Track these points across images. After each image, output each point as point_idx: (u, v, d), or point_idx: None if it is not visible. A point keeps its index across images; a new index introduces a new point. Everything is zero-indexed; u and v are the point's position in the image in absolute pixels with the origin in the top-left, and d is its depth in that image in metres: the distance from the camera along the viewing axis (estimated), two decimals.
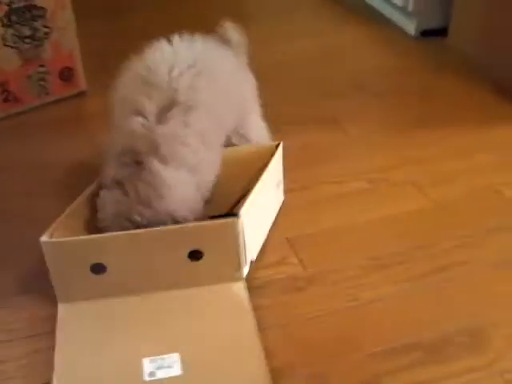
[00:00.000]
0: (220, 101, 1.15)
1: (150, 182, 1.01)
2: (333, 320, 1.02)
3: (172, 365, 0.93)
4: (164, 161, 1.03)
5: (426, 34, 1.96)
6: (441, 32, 1.93)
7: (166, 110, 1.07)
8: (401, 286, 1.08)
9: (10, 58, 1.48)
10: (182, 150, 1.05)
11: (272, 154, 1.20)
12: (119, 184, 1.02)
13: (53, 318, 1.01)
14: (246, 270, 1.08)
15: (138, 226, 1.01)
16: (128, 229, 1.01)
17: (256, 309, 1.04)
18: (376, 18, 2.08)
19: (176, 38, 1.21)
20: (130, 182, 1.01)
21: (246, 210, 1.04)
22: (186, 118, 1.07)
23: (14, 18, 1.44)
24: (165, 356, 0.94)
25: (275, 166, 1.21)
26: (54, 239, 1.00)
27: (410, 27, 1.98)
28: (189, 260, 1.03)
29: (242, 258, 1.05)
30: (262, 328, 1.00)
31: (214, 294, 1.04)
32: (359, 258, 1.14)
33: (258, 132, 1.30)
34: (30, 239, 1.03)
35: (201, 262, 1.04)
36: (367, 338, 0.99)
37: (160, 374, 0.92)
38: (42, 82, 1.55)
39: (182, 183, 1.04)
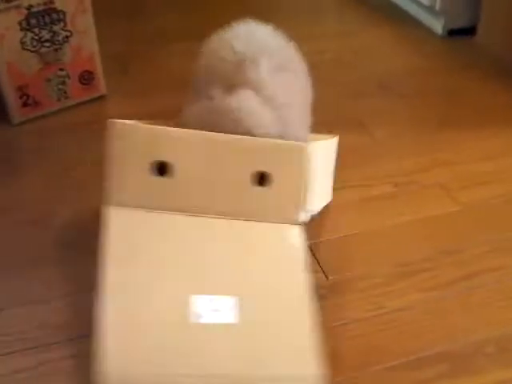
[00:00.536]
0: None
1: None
2: (357, 329, 0.99)
3: (222, 308, 0.84)
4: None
5: (453, 33, 1.91)
6: (469, 31, 1.88)
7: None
8: (428, 293, 1.04)
9: (29, 62, 1.46)
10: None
11: None
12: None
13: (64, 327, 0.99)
14: (304, 216, 0.99)
15: None
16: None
17: None
18: (402, 18, 2.03)
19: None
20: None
21: (315, 147, 0.99)
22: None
23: (33, 21, 1.43)
24: (222, 297, 0.85)
25: None
26: (121, 121, 0.90)
27: (437, 26, 1.93)
28: (253, 184, 0.94)
29: (304, 197, 0.96)
30: None
31: (272, 235, 0.95)
32: (385, 265, 1.10)
33: None
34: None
35: (266, 189, 0.95)
36: (392, 348, 0.95)
37: (212, 317, 0.83)
38: (61, 86, 1.53)
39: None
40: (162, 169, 0.91)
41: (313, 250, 1.13)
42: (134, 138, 0.91)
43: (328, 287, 1.06)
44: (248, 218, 0.95)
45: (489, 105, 1.57)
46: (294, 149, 0.96)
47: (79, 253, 1.11)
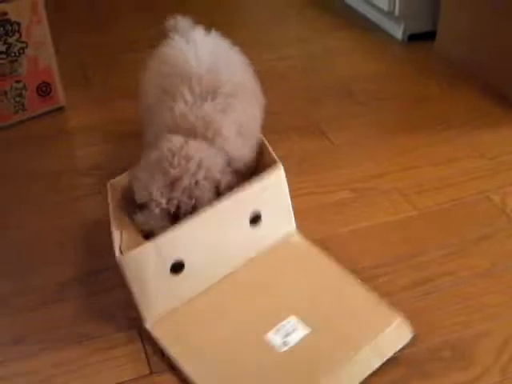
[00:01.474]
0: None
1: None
2: None
3: (296, 327, 0.94)
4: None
5: (413, 38, 1.93)
6: (429, 36, 1.90)
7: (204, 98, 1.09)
8: (384, 299, 1.04)
9: None
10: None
11: None
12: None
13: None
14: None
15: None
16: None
17: None
18: (362, 23, 2.05)
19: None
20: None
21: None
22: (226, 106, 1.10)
23: None
24: (283, 322, 0.95)
25: None
26: (130, 251, 0.93)
27: (397, 32, 1.94)
28: (250, 227, 1.04)
29: (291, 207, 1.10)
30: None
31: (288, 250, 1.09)
32: None
33: None
34: None
35: (260, 224, 1.05)
36: None
37: (292, 340, 0.92)
38: (18, 98, 1.52)
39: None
40: (178, 265, 0.97)
41: None
42: (146, 259, 0.94)
43: None
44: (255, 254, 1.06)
45: (448, 108, 1.58)
46: (272, 172, 1.06)
47: None
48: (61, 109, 1.59)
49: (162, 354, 0.95)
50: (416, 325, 0.99)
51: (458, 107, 1.58)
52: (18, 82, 1.50)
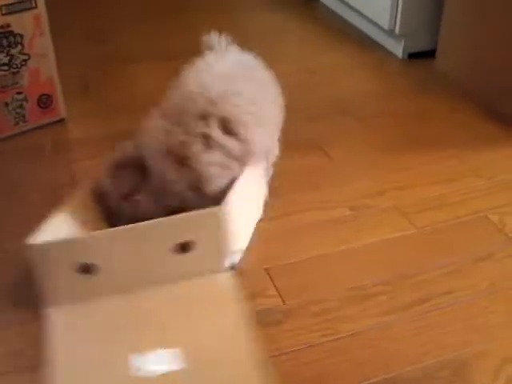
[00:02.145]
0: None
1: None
2: (311, 355, 0.98)
3: (166, 361, 0.94)
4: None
5: (413, 56, 1.94)
6: (429, 54, 1.91)
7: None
8: (383, 317, 1.05)
9: None
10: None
11: None
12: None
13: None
14: (236, 258, 1.10)
15: None
16: None
17: None
18: (363, 41, 2.06)
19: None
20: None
21: (232, 198, 1.05)
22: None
23: None
24: (157, 351, 0.96)
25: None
26: (38, 241, 0.99)
27: (398, 50, 1.96)
28: (176, 253, 1.04)
29: (229, 246, 1.06)
30: None
31: (203, 287, 1.05)
32: (341, 289, 1.10)
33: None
34: None
35: (189, 254, 1.04)
36: (346, 374, 0.95)
37: (156, 371, 0.93)
38: (19, 110, 1.52)
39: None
40: (87, 267, 1.01)
41: (270, 275, 1.13)
42: (55, 253, 1.00)
43: (284, 312, 1.05)
44: (177, 280, 1.05)
45: (447, 127, 1.59)
46: (213, 213, 1.03)
47: None
48: (61, 121, 1.59)
49: None
50: (414, 344, 1.00)
51: (457, 126, 1.59)
52: (19, 93, 1.50)
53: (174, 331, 1.00)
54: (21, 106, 1.52)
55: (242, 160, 1.11)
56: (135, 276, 1.04)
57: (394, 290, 1.10)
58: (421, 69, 1.88)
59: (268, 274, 1.13)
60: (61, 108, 1.59)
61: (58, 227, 1.04)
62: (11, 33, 1.44)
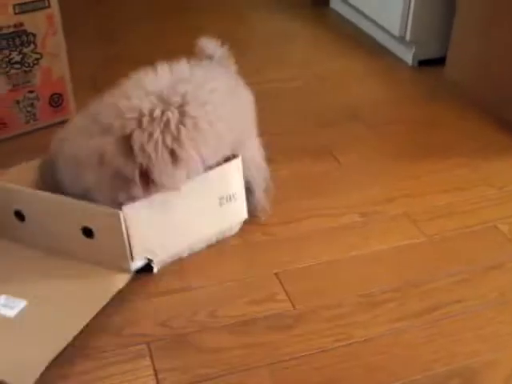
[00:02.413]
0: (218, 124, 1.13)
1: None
2: (323, 360, 0.98)
3: (14, 307, 1.04)
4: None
5: (423, 63, 1.94)
6: (439, 61, 1.91)
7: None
8: (394, 324, 1.05)
9: None
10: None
11: None
12: None
13: None
14: (138, 264, 1.11)
15: None
16: None
17: (241, 347, 1.00)
18: (373, 47, 2.06)
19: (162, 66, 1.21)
20: None
21: (136, 208, 1.07)
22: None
23: (3, 43, 1.42)
24: (16, 299, 1.06)
25: (219, 178, 1.17)
26: None
27: (407, 56, 1.96)
28: (83, 235, 1.10)
29: (127, 251, 1.08)
30: (247, 368, 0.96)
31: (93, 275, 1.10)
32: (351, 295, 1.10)
33: (254, 156, 1.26)
34: None
35: (93, 240, 1.10)
36: (358, 380, 0.95)
37: (0, 311, 1.04)
38: (30, 108, 1.52)
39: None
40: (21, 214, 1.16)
41: (280, 279, 1.13)
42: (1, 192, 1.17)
43: (295, 317, 1.06)
44: (83, 260, 1.12)
45: (457, 135, 1.59)
46: (108, 213, 1.07)
47: None
48: None
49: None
50: (425, 351, 1.00)
51: (467, 134, 1.59)
52: (30, 92, 1.51)
53: (39, 293, 1.07)
54: (32, 105, 1.52)
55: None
56: (50, 239, 1.14)
57: (403, 298, 1.10)
58: (430, 76, 1.88)
59: (278, 278, 1.14)
60: (71, 107, 1.59)
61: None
62: (24, 32, 1.44)
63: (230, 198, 1.20)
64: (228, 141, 1.16)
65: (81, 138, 1.09)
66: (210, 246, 1.20)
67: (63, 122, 1.57)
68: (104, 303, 1.04)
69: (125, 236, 1.07)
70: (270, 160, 1.43)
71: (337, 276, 1.15)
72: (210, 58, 1.29)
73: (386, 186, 1.39)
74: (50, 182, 1.15)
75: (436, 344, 1.02)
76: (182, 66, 1.19)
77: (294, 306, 1.08)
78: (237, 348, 1.00)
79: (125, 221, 1.06)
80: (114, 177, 1.05)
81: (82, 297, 1.07)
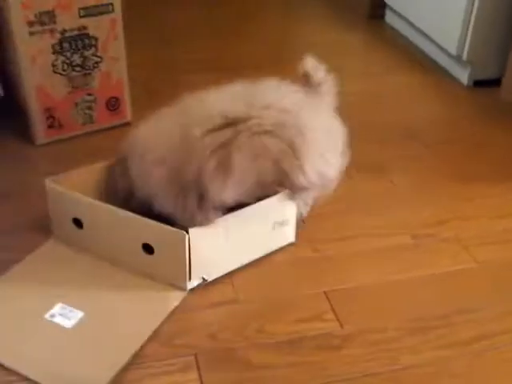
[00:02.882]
0: None
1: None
2: None
3: (71, 318, 1.05)
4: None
5: (479, 84, 1.92)
6: (494, 83, 1.89)
7: None
8: (442, 352, 1.04)
9: (58, 85, 1.48)
10: None
11: None
12: None
13: None
14: (194, 284, 1.13)
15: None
16: None
17: (286, 366, 1.00)
18: (428, 65, 2.04)
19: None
20: None
21: (202, 231, 1.09)
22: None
23: (65, 45, 1.44)
24: (74, 309, 1.07)
25: (276, 204, 1.18)
26: (52, 185, 1.18)
27: (463, 76, 1.94)
28: (143, 251, 1.12)
29: (187, 271, 1.10)
30: None
31: (150, 291, 1.12)
32: (399, 319, 1.09)
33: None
34: None
35: (152, 256, 1.11)
36: None
37: (57, 319, 1.05)
38: (88, 111, 1.54)
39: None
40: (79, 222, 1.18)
41: (329, 298, 1.13)
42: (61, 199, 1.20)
43: (342, 337, 1.05)
44: (141, 274, 1.14)
45: (510, 159, 1.56)
46: (172, 233, 1.08)
47: None
48: (127, 124, 1.61)
49: None
50: (471, 382, 0.98)
51: None
52: (89, 94, 1.53)
53: (98, 304, 1.09)
54: (89, 108, 1.54)
55: None
56: (111, 250, 1.16)
57: (452, 325, 1.09)
58: (486, 97, 1.85)
59: (327, 297, 1.13)
60: (127, 111, 1.61)
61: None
62: (87, 35, 1.47)
63: (282, 223, 1.21)
64: None
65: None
66: (260, 261, 1.21)
67: (119, 126, 1.60)
68: (160, 321, 1.06)
69: (186, 257, 1.08)
70: None
71: (385, 298, 1.14)
72: (314, 85, 1.25)
73: (438, 207, 1.38)
74: (114, 185, 1.19)
75: (482, 375, 1.00)
76: (287, 101, 1.16)
77: (342, 326, 1.07)
78: (283, 366, 1.00)
79: (189, 243, 1.07)
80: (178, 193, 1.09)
81: (139, 312, 1.08)
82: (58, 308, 1.07)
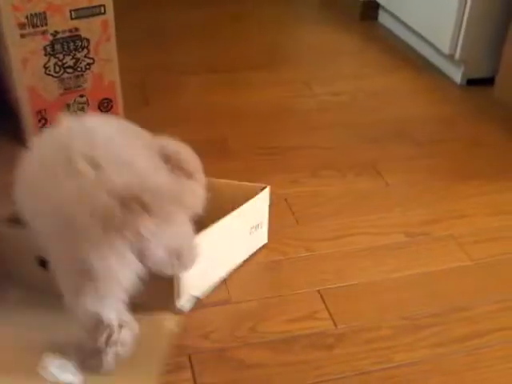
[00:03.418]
0: None
1: None
2: (362, 383, 0.97)
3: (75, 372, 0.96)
4: None
5: (472, 82, 1.92)
6: (487, 81, 1.89)
7: None
8: (435, 350, 1.03)
9: (50, 87, 1.47)
10: None
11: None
12: None
13: None
14: (186, 303, 1.08)
15: None
16: None
17: (280, 365, 1.00)
18: (420, 64, 2.04)
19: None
20: None
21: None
22: None
23: (57, 47, 1.44)
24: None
25: (251, 209, 1.17)
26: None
27: (456, 75, 1.93)
28: None
29: (176, 291, 1.05)
30: None
31: (143, 322, 1.00)
32: (393, 317, 1.09)
33: None
34: None
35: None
36: None
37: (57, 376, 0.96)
38: (80, 112, 1.54)
39: None
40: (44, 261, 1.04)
41: (322, 297, 1.13)
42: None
43: (336, 336, 1.05)
44: None
45: (504, 158, 1.56)
46: None
47: None
48: None
49: None
50: (465, 379, 0.98)
51: None
52: (81, 96, 1.52)
53: None
54: (82, 109, 1.54)
55: None
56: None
57: (445, 323, 1.09)
58: (479, 96, 1.85)
59: (320, 295, 1.13)
60: (120, 113, 1.60)
61: None
62: (78, 37, 1.46)
63: (257, 227, 1.21)
64: None
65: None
66: (251, 261, 1.20)
67: None
68: (162, 354, 1.00)
69: (175, 277, 1.03)
70: (314, 175, 1.44)
71: (380, 297, 1.14)
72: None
73: (432, 206, 1.37)
74: None
75: (477, 373, 1.00)
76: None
77: (335, 325, 1.07)
78: (277, 365, 1.00)
79: None
80: None
81: (139, 350, 0.98)
82: (55, 364, 0.97)
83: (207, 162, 1.47)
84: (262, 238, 1.24)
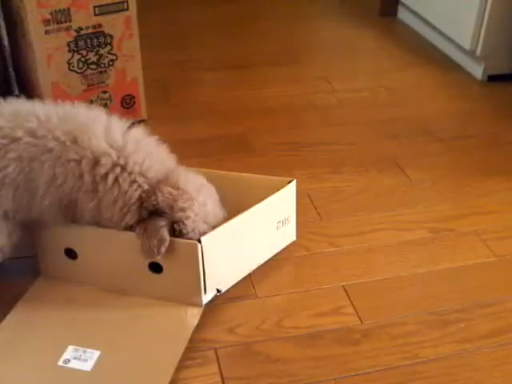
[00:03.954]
0: None
1: None
2: (386, 379, 0.97)
3: (87, 359, 0.97)
4: None
5: (493, 78, 1.91)
6: (509, 77, 1.88)
7: None
8: (461, 346, 1.03)
9: (73, 83, 1.49)
10: None
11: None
12: None
13: None
14: (208, 297, 1.07)
15: None
16: None
17: (306, 360, 1.00)
18: (442, 60, 2.03)
19: None
20: None
21: (212, 239, 1.04)
22: None
23: (81, 43, 1.45)
24: (88, 349, 0.99)
25: (277, 203, 1.16)
26: None
27: (477, 71, 1.93)
28: (150, 270, 1.05)
29: (201, 283, 1.04)
30: (313, 381, 0.96)
31: (164, 313, 1.05)
32: (419, 313, 1.09)
33: None
34: None
35: (161, 275, 1.05)
36: None
37: (73, 364, 0.96)
38: (103, 108, 1.55)
39: None
40: (73, 252, 1.10)
41: (347, 292, 1.13)
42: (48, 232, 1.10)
43: (362, 332, 1.05)
44: (148, 296, 1.08)
45: None
46: (185, 245, 1.02)
47: None
48: (142, 122, 1.61)
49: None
50: (492, 375, 0.98)
51: None
52: (104, 92, 1.53)
53: (111, 339, 1.02)
54: (105, 105, 1.55)
55: None
56: (112, 277, 1.09)
57: (471, 319, 1.08)
58: (500, 92, 1.84)
59: (345, 291, 1.13)
60: (142, 109, 1.61)
61: None
62: (102, 33, 1.47)
63: (285, 222, 1.20)
64: None
65: None
66: (277, 256, 1.21)
67: (134, 124, 1.60)
68: (184, 345, 0.99)
69: (200, 269, 1.03)
70: (336, 172, 1.44)
71: (405, 292, 1.14)
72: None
73: (456, 202, 1.37)
74: None
75: (503, 369, 1.00)
76: None
77: (361, 320, 1.07)
78: (303, 360, 1.00)
79: (202, 253, 1.02)
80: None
81: (158, 341, 1.01)
82: (70, 351, 0.98)
83: (228, 157, 1.50)
84: (289, 234, 1.23)
